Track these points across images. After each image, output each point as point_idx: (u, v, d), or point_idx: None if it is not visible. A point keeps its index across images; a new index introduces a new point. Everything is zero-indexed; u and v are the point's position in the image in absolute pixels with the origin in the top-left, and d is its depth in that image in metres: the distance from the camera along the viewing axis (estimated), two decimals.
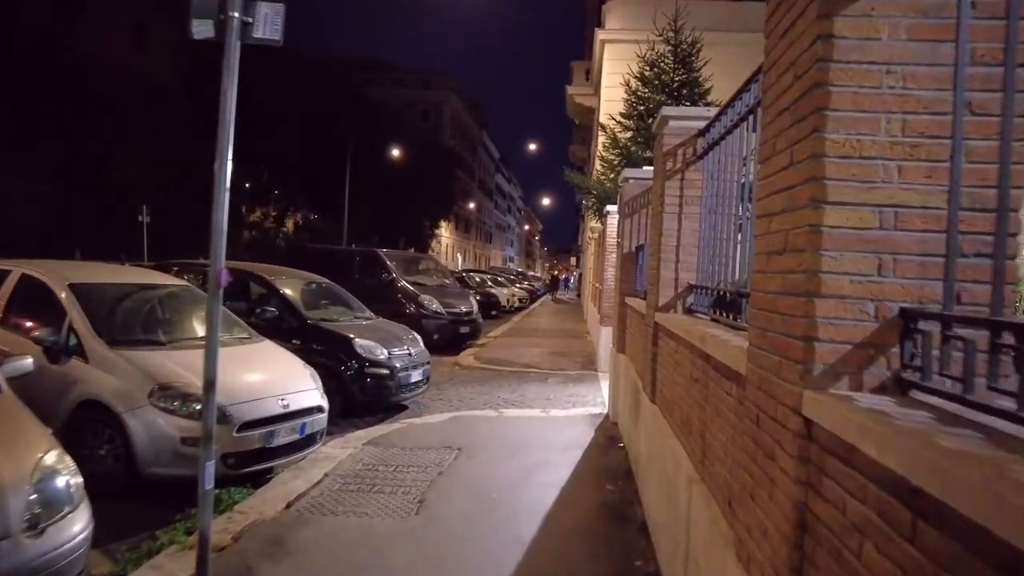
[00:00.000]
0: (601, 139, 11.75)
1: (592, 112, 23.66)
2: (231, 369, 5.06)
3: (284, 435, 4.94)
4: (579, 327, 19.36)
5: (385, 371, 6.92)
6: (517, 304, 27.29)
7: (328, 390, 6.83)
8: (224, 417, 4.50)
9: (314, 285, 8.16)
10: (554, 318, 23.44)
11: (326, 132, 31.29)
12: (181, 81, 26.91)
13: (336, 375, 6.78)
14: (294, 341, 6.96)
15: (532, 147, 46.01)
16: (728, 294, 2.97)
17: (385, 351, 7.01)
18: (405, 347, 7.35)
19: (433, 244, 50.76)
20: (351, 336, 6.94)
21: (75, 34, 22.13)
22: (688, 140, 4.04)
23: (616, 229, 8.30)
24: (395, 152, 35.59)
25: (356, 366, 6.79)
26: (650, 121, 11.04)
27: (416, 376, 7.37)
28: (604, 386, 8.97)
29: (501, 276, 32.03)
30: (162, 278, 6.10)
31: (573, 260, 58.09)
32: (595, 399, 8.18)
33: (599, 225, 15.16)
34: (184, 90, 26.37)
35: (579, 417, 7.13)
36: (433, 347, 12.74)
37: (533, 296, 34.74)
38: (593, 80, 22.39)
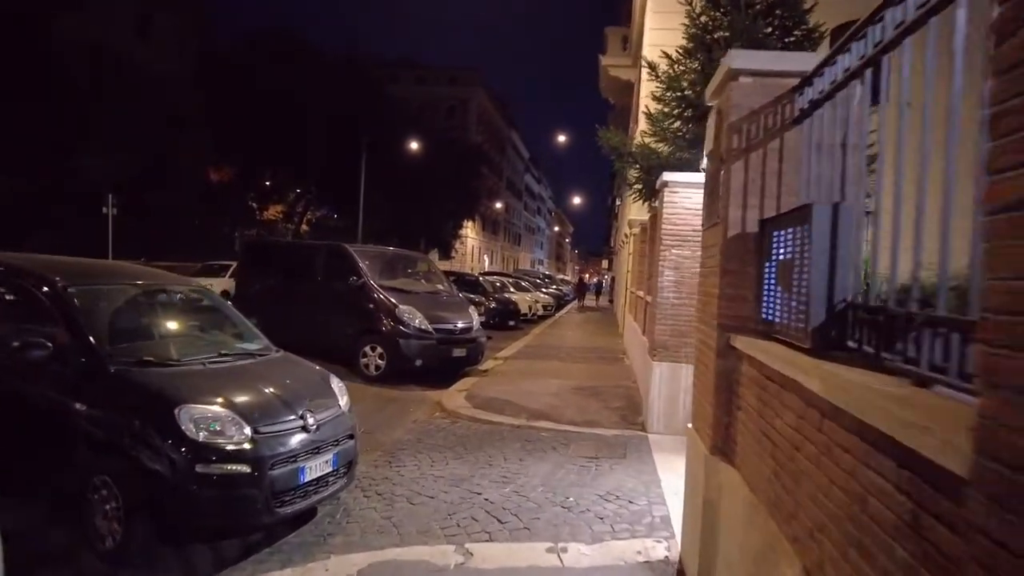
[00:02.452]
0: (650, 86, 8.18)
1: (630, 88, 20.01)
2: None
3: None
4: (613, 343, 15.73)
5: (242, 468, 3.52)
6: (541, 312, 23.80)
7: (128, 509, 3.54)
8: None
9: (163, 295, 4.75)
10: (582, 330, 19.81)
11: (346, 130, 28.79)
12: (169, 67, 24.39)
13: (147, 475, 3.43)
14: (78, 405, 3.65)
15: (562, 139, 42.45)
16: None
17: (245, 428, 3.62)
18: (299, 414, 3.94)
19: (457, 245, 47.76)
20: (175, 400, 3.56)
21: (62, 19, 19.68)
22: None
23: (704, 190, 4.37)
24: (416, 149, 32.64)
25: (186, 459, 3.41)
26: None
27: (320, 468, 3.96)
28: (660, 467, 5.42)
29: (525, 280, 28.47)
30: None
31: (605, 263, 54.43)
32: (650, 507, 4.61)
33: (641, 216, 11.59)
34: (172, 78, 23.83)
35: (623, 571, 3.60)
36: (416, 376, 9.42)
37: (560, 302, 31.01)
38: (632, 47, 18.73)
